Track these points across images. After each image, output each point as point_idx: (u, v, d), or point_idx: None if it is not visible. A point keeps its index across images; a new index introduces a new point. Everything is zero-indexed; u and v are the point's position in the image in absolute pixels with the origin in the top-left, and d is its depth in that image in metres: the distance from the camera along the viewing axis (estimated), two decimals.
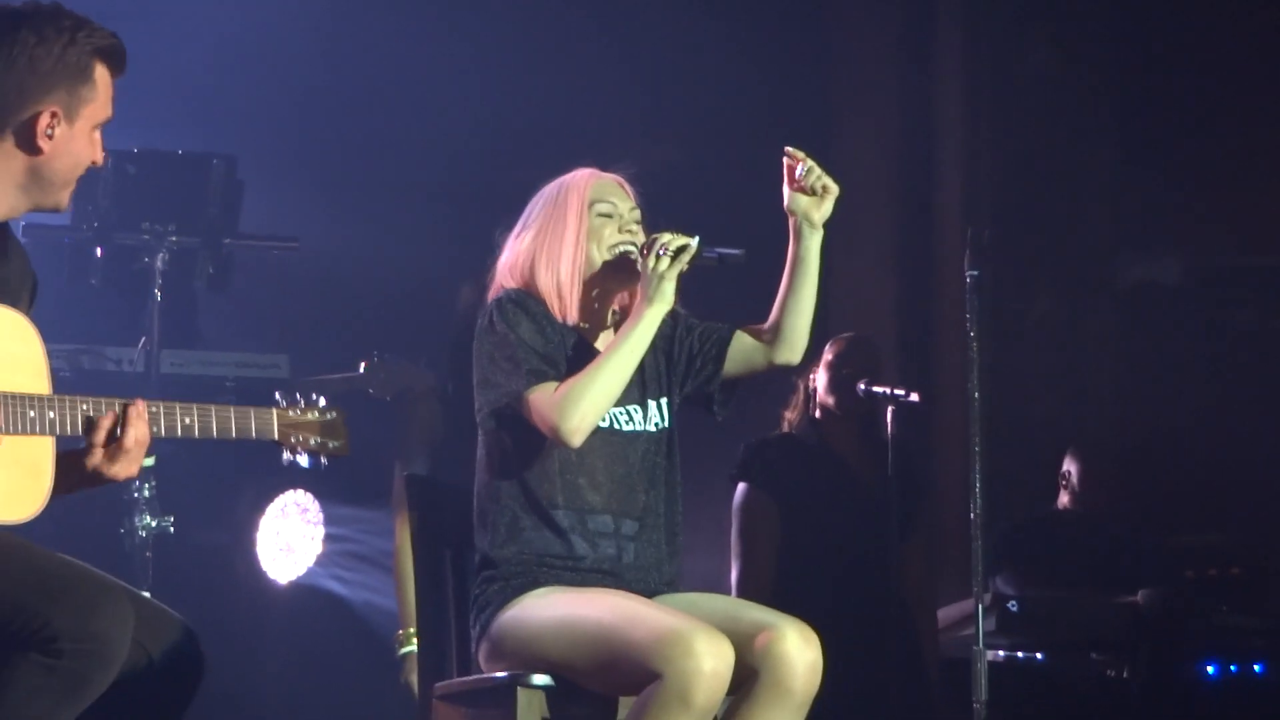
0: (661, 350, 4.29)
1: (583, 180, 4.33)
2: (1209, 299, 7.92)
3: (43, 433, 3.53)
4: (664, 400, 4.33)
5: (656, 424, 4.31)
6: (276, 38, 7.31)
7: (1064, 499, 6.82)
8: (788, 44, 7.89)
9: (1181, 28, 7.73)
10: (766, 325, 4.33)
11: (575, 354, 4.24)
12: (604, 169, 4.38)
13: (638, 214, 4.34)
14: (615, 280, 4.30)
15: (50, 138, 3.60)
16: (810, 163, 4.23)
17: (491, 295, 4.33)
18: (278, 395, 3.87)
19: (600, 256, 4.28)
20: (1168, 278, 8.05)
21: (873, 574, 5.64)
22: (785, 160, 4.25)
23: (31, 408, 3.51)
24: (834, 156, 7.97)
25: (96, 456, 3.59)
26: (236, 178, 6.67)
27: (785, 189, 4.26)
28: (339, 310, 7.34)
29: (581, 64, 7.62)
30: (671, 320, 4.30)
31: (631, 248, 4.27)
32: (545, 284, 4.26)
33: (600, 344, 4.31)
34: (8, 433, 3.49)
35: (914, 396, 5.61)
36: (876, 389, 5.66)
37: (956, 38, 8.08)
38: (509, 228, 4.37)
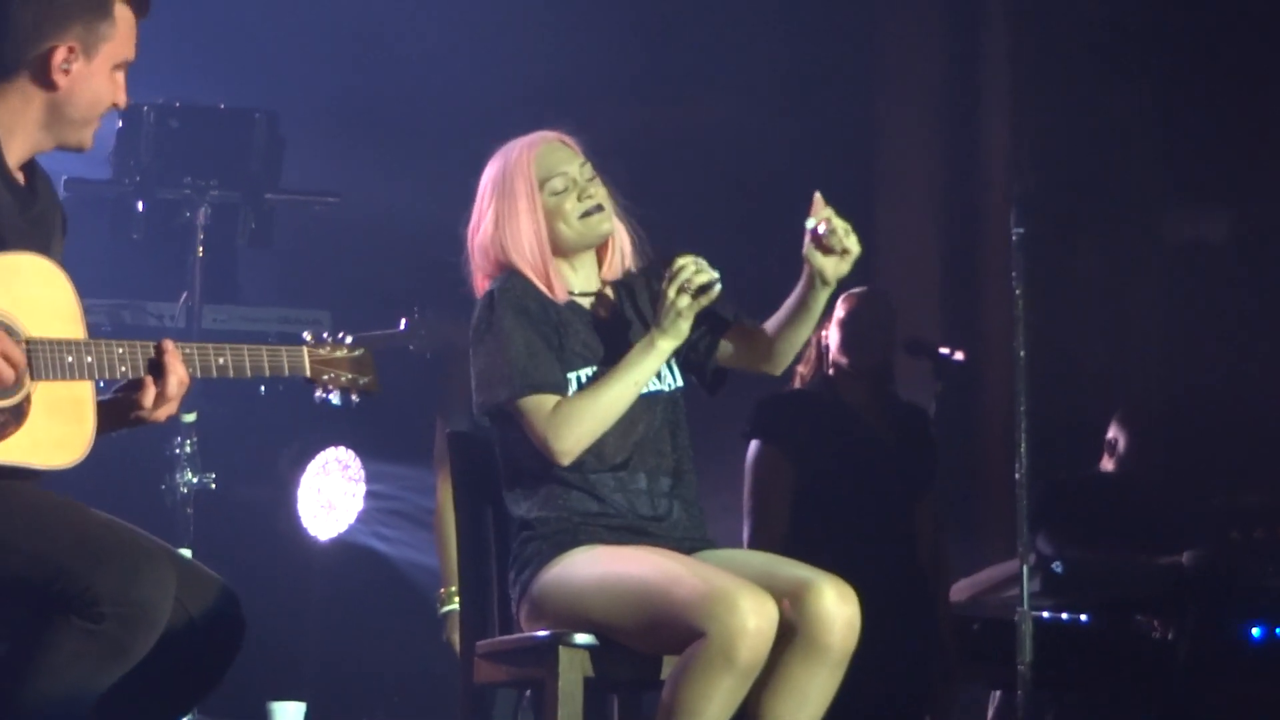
0: None
1: (525, 159, 4.26)
2: (1258, 256, 7.84)
3: (81, 377, 3.52)
4: (674, 361, 4.30)
5: (670, 385, 4.29)
6: None
7: (1108, 464, 6.77)
8: None
9: None
10: (758, 334, 4.30)
11: (572, 325, 4.22)
12: (558, 128, 4.32)
13: (589, 169, 4.28)
14: (592, 241, 4.28)
15: (66, 73, 3.58)
16: (836, 222, 4.11)
17: (480, 284, 4.29)
18: (305, 334, 3.87)
19: (570, 229, 4.24)
20: (1216, 235, 7.98)
21: (886, 530, 5.60)
22: (808, 222, 4.12)
23: (69, 353, 3.50)
24: (878, 111, 7.99)
25: (143, 403, 3.59)
26: (278, 133, 6.66)
27: (806, 239, 4.13)
28: (381, 266, 7.32)
29: (622, 19, 7.57)
30: None
31: (597, 212, 4.21)
32: (525, 270, 4.23)
33: (594, 306, 4.29)
34: (46, 379, 3.48)
35: (959, 355, 5.56)
36: (923, 347, 5.59)
37: None
38: (466, 219, 4.32)
